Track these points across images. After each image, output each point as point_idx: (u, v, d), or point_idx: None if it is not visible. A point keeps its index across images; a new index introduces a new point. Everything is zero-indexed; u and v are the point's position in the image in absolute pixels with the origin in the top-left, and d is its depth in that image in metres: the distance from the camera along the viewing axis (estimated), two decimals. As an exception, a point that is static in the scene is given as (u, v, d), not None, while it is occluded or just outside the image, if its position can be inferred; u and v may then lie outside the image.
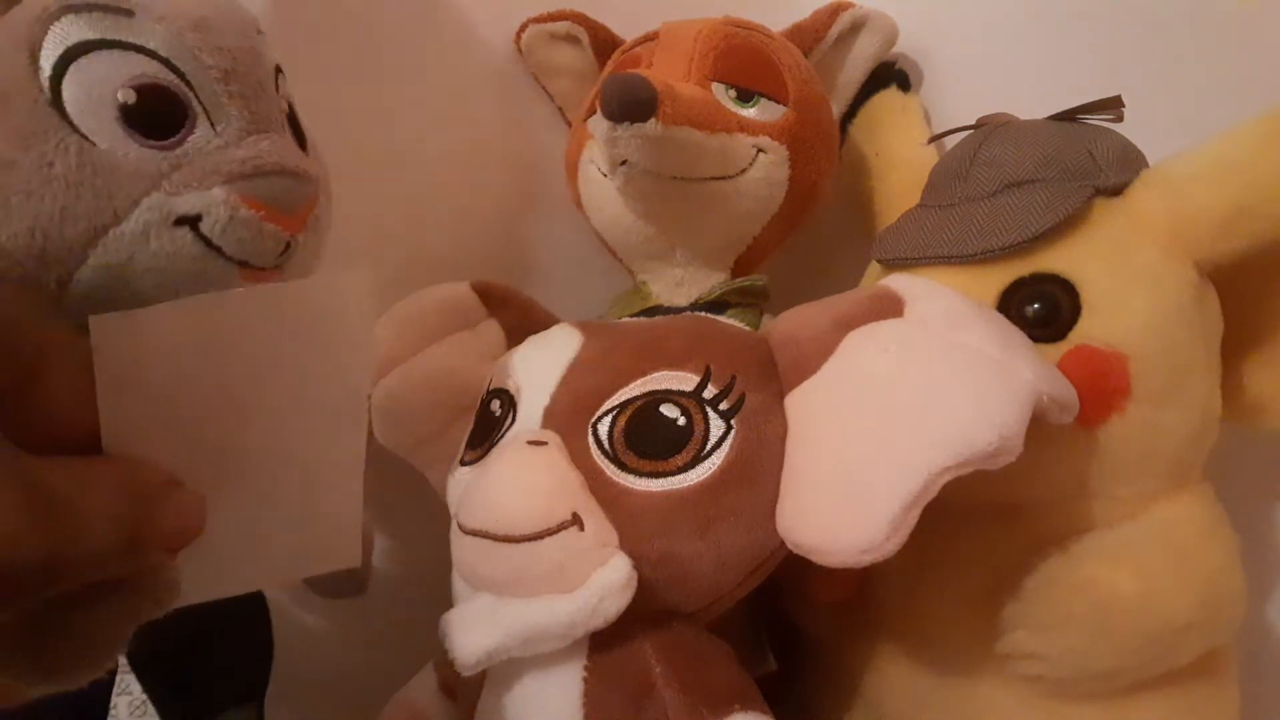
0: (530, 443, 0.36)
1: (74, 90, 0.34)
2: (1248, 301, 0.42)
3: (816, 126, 0.49)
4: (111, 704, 0.52)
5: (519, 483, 0.35)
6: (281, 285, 0.22)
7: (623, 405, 0.36)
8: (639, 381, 0.36)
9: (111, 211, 0.34)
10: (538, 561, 0.33)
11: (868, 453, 0.33)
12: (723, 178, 0.46)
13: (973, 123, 0.49)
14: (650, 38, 0.50)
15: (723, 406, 0.36)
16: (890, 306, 0.37)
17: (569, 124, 0.59)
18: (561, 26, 0.55)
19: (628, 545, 0.34)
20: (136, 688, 0.51)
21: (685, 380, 0.36)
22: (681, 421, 0.36)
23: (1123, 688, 0.39)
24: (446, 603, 0.38)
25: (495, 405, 0.40)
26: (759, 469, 0.35)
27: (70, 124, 0.34)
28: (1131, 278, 0.39)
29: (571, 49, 0.56)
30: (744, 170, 0.46)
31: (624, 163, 0.43)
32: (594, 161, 0.49)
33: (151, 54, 0.35)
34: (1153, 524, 0.40)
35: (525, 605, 0.34)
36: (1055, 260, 0.40)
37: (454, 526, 0.37)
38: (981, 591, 0.39)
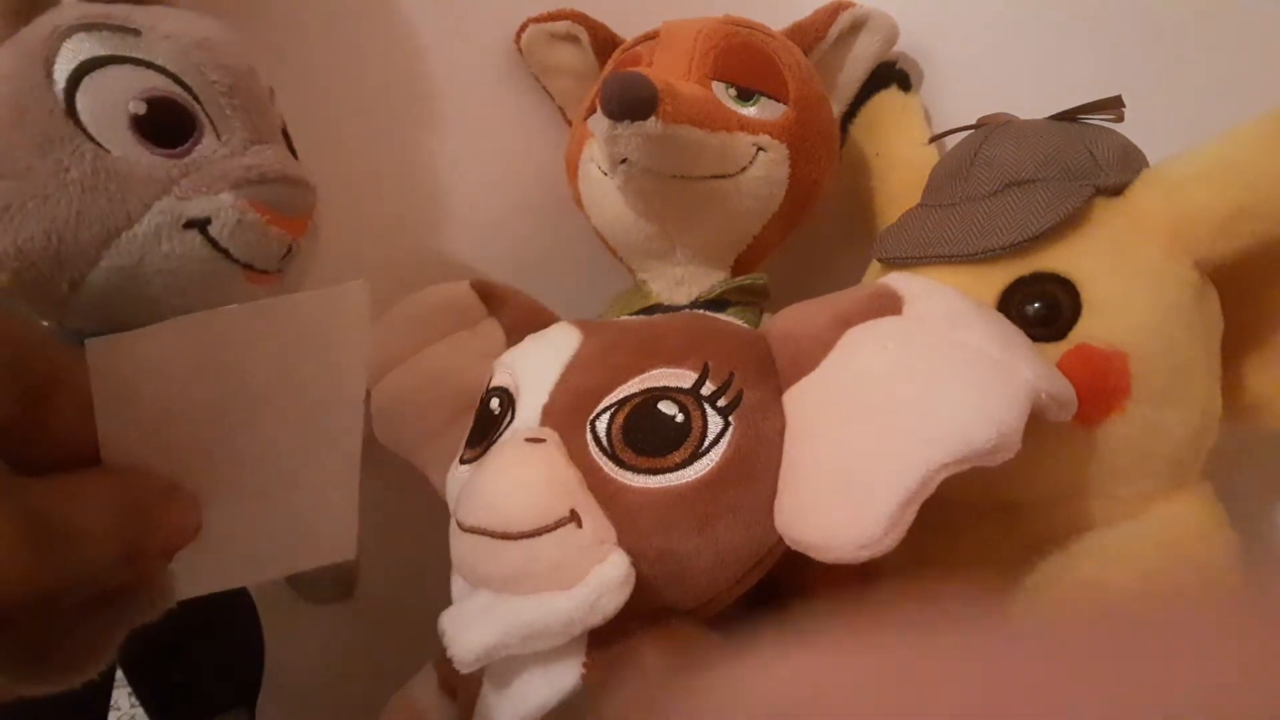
0: (528, 440, 0.36)
1: (88, 101, 0.35)
2: (1248, 301, 0.42)
3: (817, 125, 0.49)
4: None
5: (517, 480, 0.35)
6: (278, 300, 0.22)
7: (621, 402, 0.36)
8: (637, 379, 0.36)
9: (125, 215, 0.35)
10: (536, 559, 0.33)
11: (866, 449, 0.33)
12: (723, 176, 0.46)
13: (973, 123, 0.49)
14: (650, 36, 0.50)
15: (721, 403, 0.36)
16: (889, 304, 0.37)
17: (569, 123, 0.59)
18: (561, 26, 0.55)
19: (626, 542, 0.34)
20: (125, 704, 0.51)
21: (683, 377, 0.36)
22: (679, 418, 0.35)
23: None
24: (444, 603, 0.38)
25: (494, 403, 0.40)
26: (757, 466, 0.35)
27: (85, 133, 0.35)
28: (1132, 277, 0.39)
29: (571, 48, 0.56)
30: (744, 169, 0.46)
31: (624, 161, 0.43)
32: (594, 160, 0.49)
33: (160, 69, 0.37)
34: (1153, 524, 0.40)
35: (524, 602, 0.34)
36: (1056, 260, 0.40)
37: (453, 524, 0.37)
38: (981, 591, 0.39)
